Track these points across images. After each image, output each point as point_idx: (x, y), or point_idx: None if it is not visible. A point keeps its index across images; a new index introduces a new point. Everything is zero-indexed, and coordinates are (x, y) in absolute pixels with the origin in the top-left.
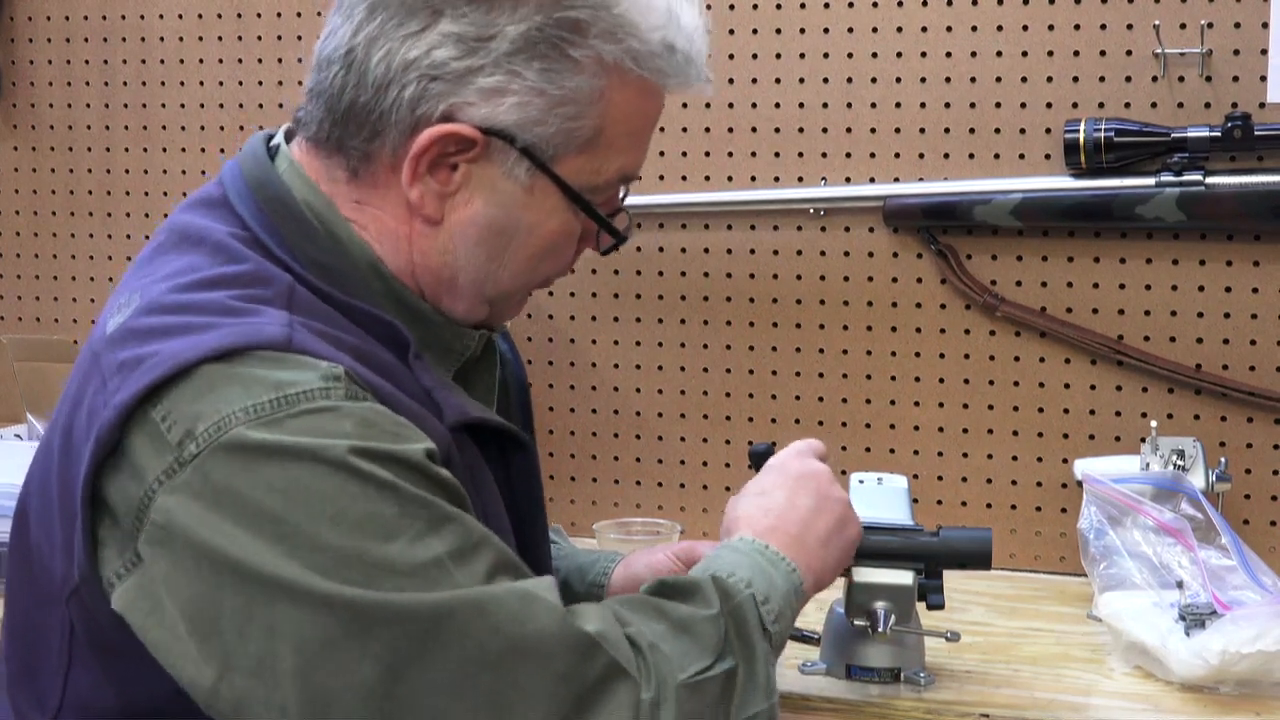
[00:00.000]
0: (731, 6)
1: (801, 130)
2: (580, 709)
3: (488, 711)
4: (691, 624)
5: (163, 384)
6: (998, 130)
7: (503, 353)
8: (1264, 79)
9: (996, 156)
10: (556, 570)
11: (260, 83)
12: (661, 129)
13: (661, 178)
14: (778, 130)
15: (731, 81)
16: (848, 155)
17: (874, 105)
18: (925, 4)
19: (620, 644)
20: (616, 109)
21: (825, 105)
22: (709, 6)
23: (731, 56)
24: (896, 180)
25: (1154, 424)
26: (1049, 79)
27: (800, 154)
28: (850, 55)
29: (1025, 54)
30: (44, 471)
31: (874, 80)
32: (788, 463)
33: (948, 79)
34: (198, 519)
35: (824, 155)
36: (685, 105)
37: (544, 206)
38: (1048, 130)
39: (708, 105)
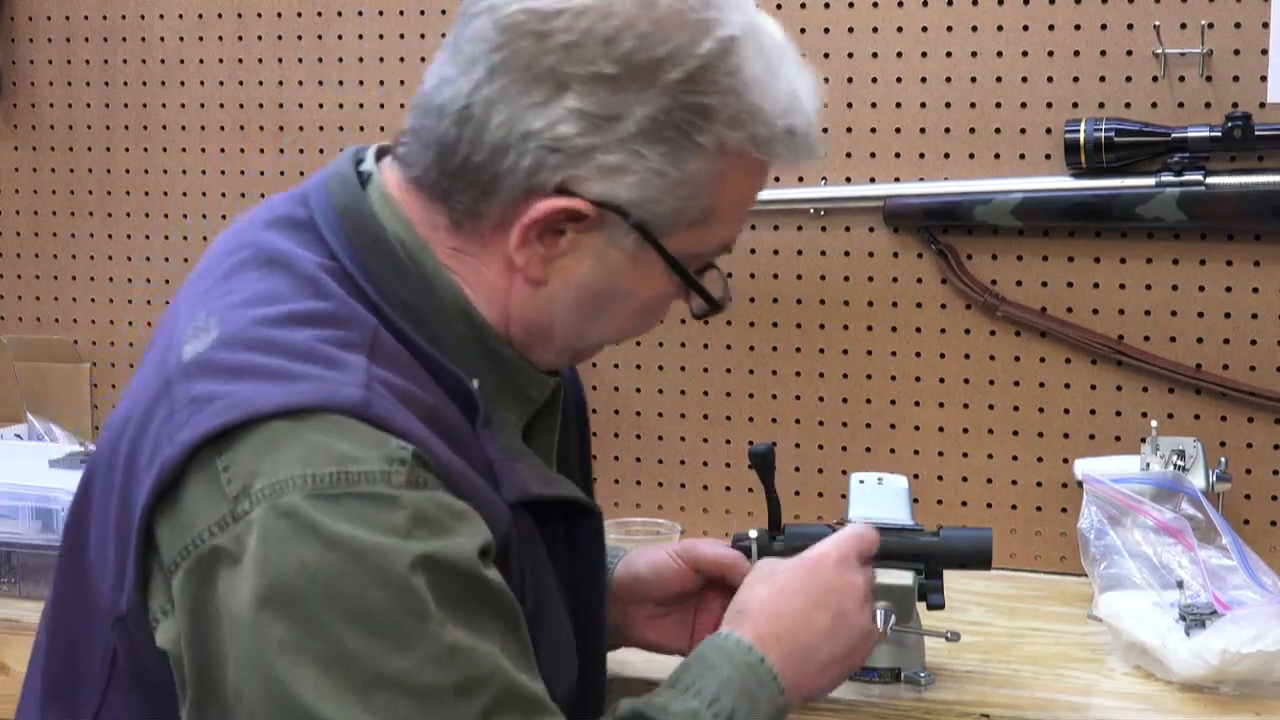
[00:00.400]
0: None
1: None
2: None
3: None
4: None
5: (230, 431)
6: (998, 130)
7: (567, 385)
8: (1264, 79)
9: (997, 156)
10: None
11: (260, 83)
12: None
13: None
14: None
15: None
16: (848, 155)
17: (874, 105)
18: (926, 4)
19: None
20: (730, 189)
21: (825, 105)
22: None
23: None
24: (897, 180)
25: (1154, 424)
26: (1049, 79)
27: None
28: (850, 55)
29: (1026, 54)
30: (106, 485)
31: (874, 80)
32: (825, 564)
33: (948, 79)
34: (228, 578)
35: (824, 155)
36: None
37: (647, 275)
38: (1048, 130)
39: None
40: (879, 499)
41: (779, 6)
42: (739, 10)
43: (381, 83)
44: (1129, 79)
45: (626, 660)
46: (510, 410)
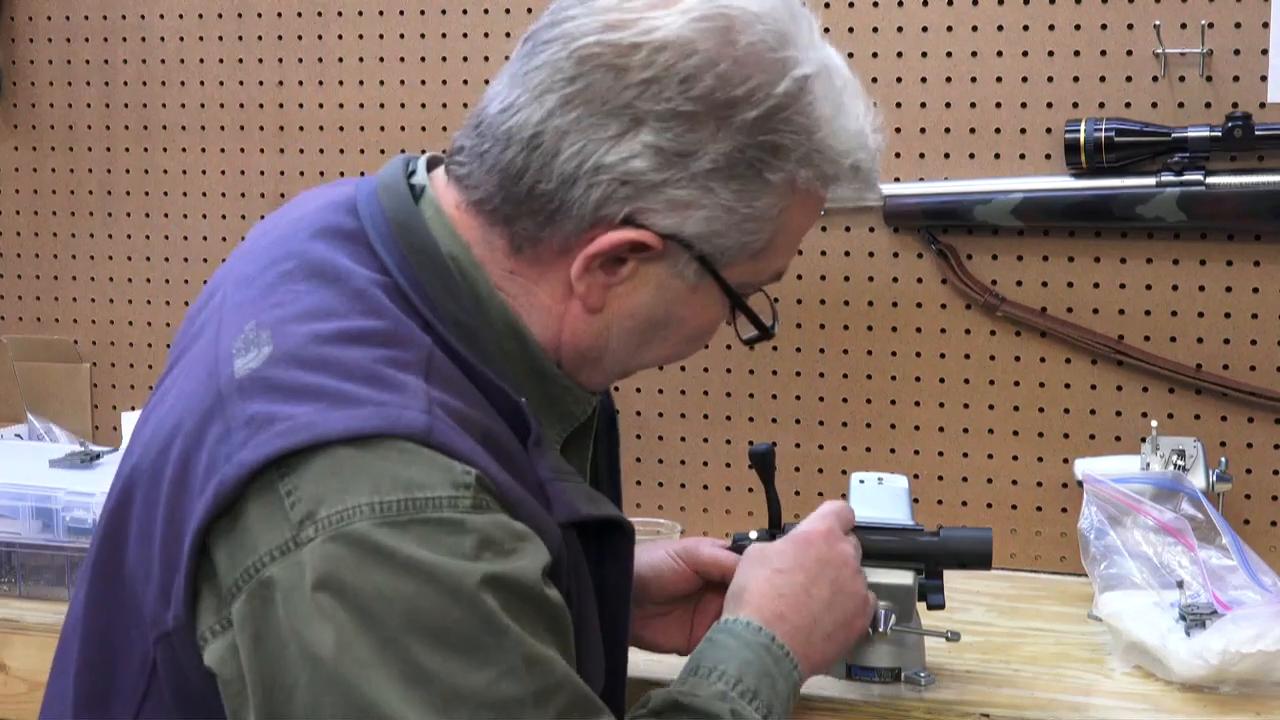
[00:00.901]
0: None
1: None
2: None
3: None
4: None
5: (292, 454)
6: (998, 130)
7: (598, 412)
8: (1264, 79)
9: (997, 156)
10: None
11: (260, 83)
12: None
13: None
14: None
15: None
16: None
17: (874, 104)
18: (926, 4)
19: None
20: (792, 224)
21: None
22: None
23: None
24: (897, 180)
25: (1154, 424)
26: (1049, 79)
27: None
28: (851, 55)
29: (1026, 54)
30: (150, 495)
31: (874, 80)
32: (814, 541)
33: (948, 79)
34: (298, 602)
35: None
36: None
37: (703, 302)
38: (1048, 130)
39: None
40: (879, 499)
41: None
42: (814, 49)
43: (381, 83)
44: (1129, 79)
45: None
46: (552, 427)
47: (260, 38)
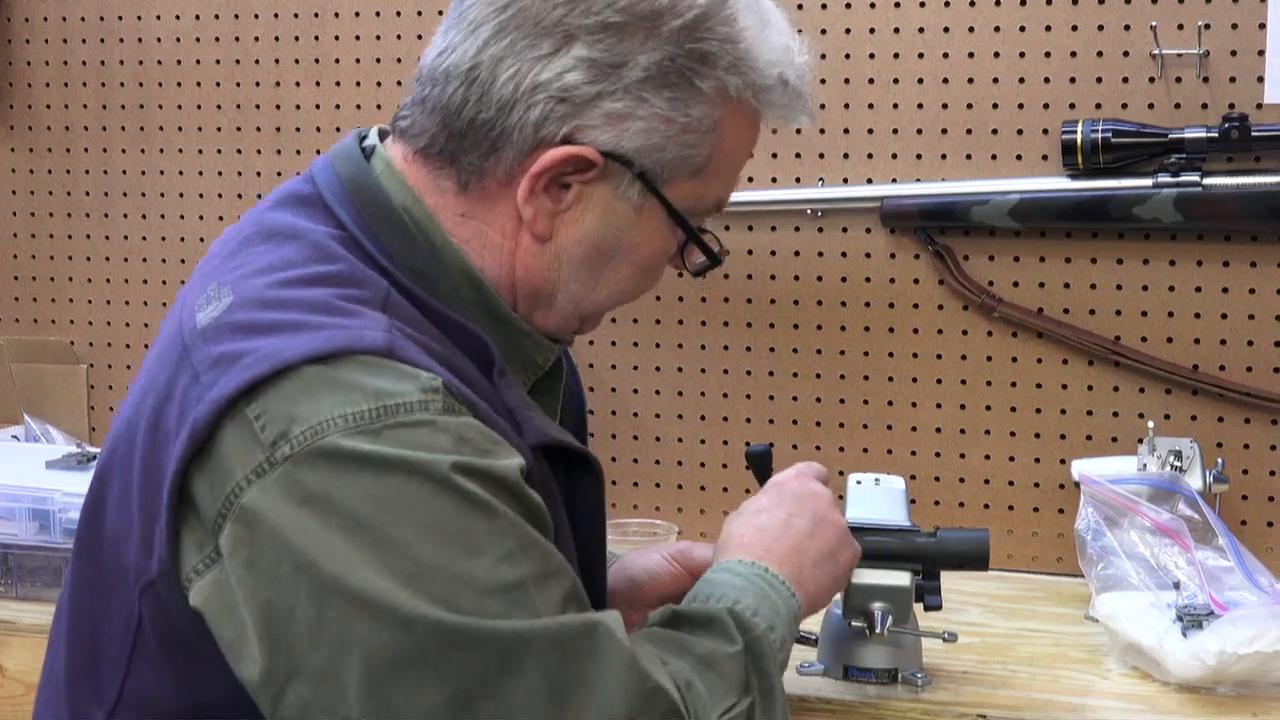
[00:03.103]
0: None
1: (799, 131)
2: None
3: None
4: (716, 661)
5: (260, 382)
6: (995, 131)
7: (567, 376)
8: (1261, 80)
9: (994, 157)
10: None
11: (258, 84)
12: None
13: None
14: (775, 131)
15: None
16: (845, 156)
17: (871, 106)
18: (923, 5)
19: (674, 689)
20: (728, 139)
21: (823, 106)
22: None
23: None
24: (894, 181)
25: (1151, 425)
26: (1046, 80)
27: (798, 155)
28: (848, 56)
29: (1022, 55)
30: (125, 461)
31: (871, 81)
32: (786, 482)
33: (945, 80)
34: (283, 518)
35: (821, 156)
36: None
37: (649, 227)
38: (1045, 131)
39: None
40: (876, 500)
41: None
42: None
43: (380, 84)
44: (1126, 80)
45: None
46: (516, 375)
47: (258, 39)
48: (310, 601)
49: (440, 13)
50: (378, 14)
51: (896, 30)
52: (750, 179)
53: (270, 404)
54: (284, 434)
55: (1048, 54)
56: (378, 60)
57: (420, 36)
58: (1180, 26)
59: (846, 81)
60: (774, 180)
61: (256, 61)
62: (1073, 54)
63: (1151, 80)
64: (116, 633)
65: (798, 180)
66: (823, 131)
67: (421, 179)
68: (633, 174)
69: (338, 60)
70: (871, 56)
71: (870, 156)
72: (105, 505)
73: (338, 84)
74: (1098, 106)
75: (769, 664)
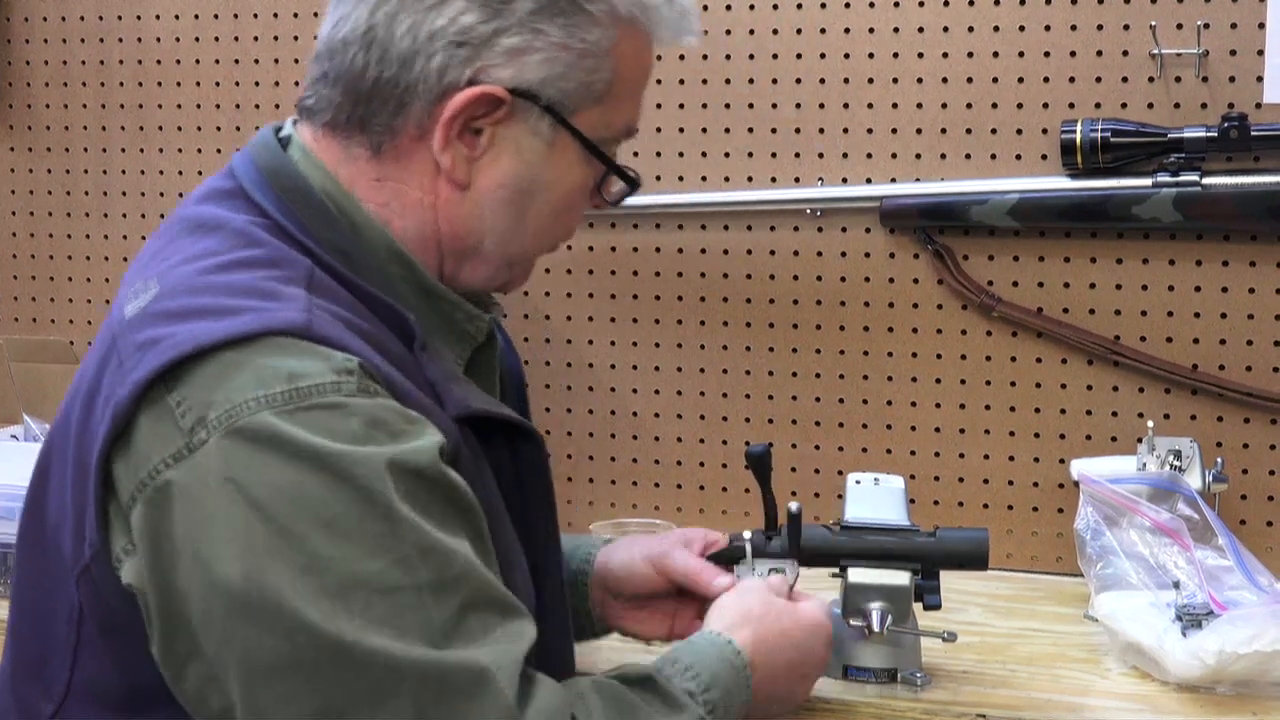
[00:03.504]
0: (729, 7)
1: (798, 131)
2: None
3: None
4: None
5: (179, 366)
6: (994, 131)
7: (504, 355)
8: (1260, 79)
9: (993, 157)
10: None
11: (257, 83)
12: (658, 130)
13: (659, 178)
14: (774, 131)
15: (728, 82)
16: (844, 156)
17: (870, 106)
18: (922, 5)
19: None
20: (626, 61)
21: (822, 106)
22: (705, 8)
23: (728, 57)
24: (893, 181)
25: (1150, 424)
26: (1045, 79)
27: (797, 154)
28: (847, 56)
29: (1022, 54)
30: (60, 453)
31: (871, 81)
32: (820, 634)
33: (944, 79)
34: (192, 504)
35: (821, 156)
36: (682, 106)
37: (565, 161)
38: (1044, 131)
39: (704, 106)
40: (875, 499)
41: (775, 7)
42: None
43: None
44: (1125, 79)
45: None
46: (449, 348)
47: (257, 39)
48: (203, 594)
49: None
50: None
51: (896, 30)
52: (750, 178)
53: (189, 390)
54: (202, 419)
55: (1047, 53)
56: None
57: None
58: (1179, 26)
59: (846, 81)
60: (773, 180)
61: (256, 61)
62: (1072, 53)
63: (1151, 80)
64: (61, 626)
65: (797, 180)
66: (822, 131)
67: (334, 153)
68: (540, 108)
69: None
70: (871, 56)
71: (869, 156)
72: (46, 497)
73: None
74: (1097, 106)
75: None
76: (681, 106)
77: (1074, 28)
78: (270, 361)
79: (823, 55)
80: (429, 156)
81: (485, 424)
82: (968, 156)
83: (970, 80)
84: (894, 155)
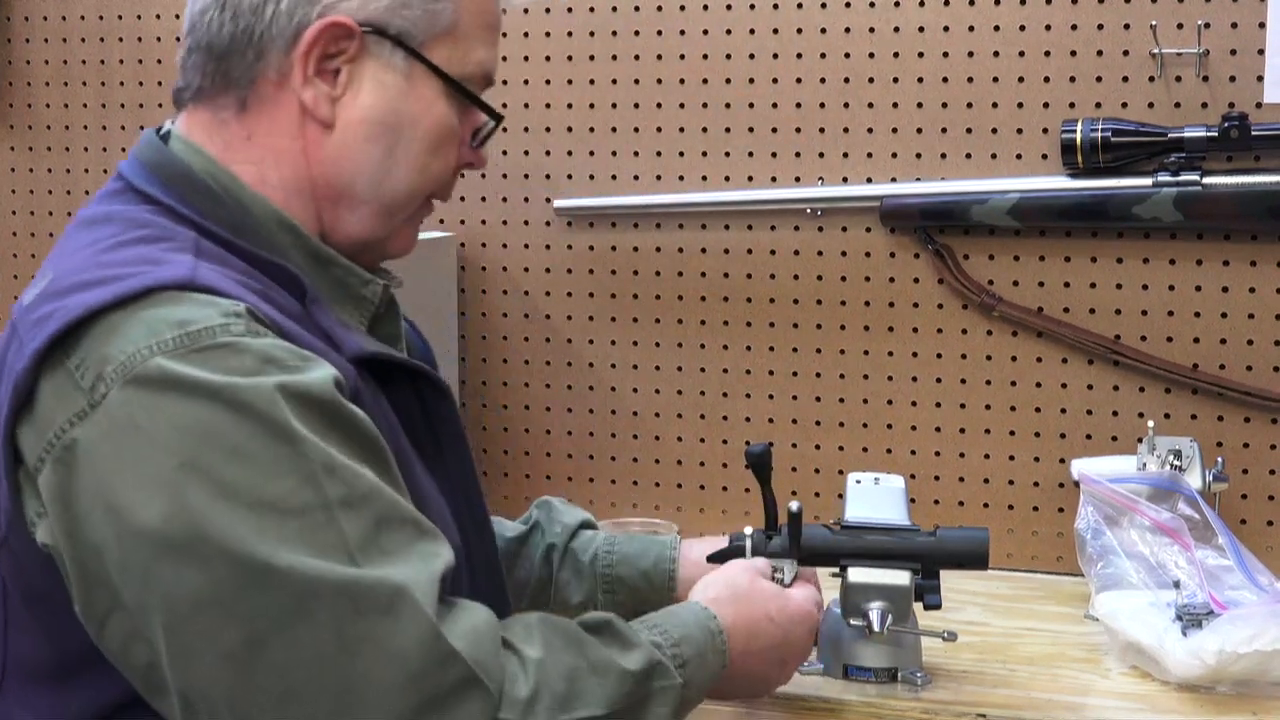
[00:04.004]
0: (729, 7)
1: (799, 130)
2: (428, 713)
3: (337, 695)
4: (605, 669)
5: (73, 332)
6: (994, 130)
7: (410, 338)
8: (1261, 79)
9: (993, 156)
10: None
11: None
12: (659, 129)
13: (659, 178)
14: (775, 130)
15: (729, 82)
16: (845, 155)
17: (871, 105)
18: (922, 4)
19: (488, 662)
20: None
21: (822, 105)
22: (705, 7)
23: (729, 57)
24: (894, 180)
25: (1151, 424)
26: (1046, 79)
27: (797, 154)
28: (847, 56)
29: (1022, 54)
30: None
31: (871, 80)
32: (804, 620)
33: (945, 79)
34: (95, 455)
35: (821, 155)
36: (682, 105)
37: (424, 96)
38: (1045, 130)
39: (704, 105)
40: (876, 499)
41: (775, 7)
42: None
43: None
44: (1126, 79)
45: None
46: (350, 315)
47: None
48: (119, 544)
49: None
50: None
51: (896, 30)
52: (750, 178)
53: (86, 352)
54: (100, 375)
55: (1047, 53)
56: None
57: None
58: (1180, 25)
59: (846, 81)
60: (774, 179)
61: None
62: (1072, 53)
63: (1151, 79)
64: None
65: (797, 179)
66: (822, 131)
67: (206, 127)
68: (391, 41)
69: None
70: (871, 56)
71: (870, 156)
72: None
73: None
74: (1097, 105)
75: (653, 714)
76: (682, 106)
77: (1074, 27)
78: (159, 313)
79: (823, 55)
80: (293, 100)
81: (386, 371)
82: (968, 156)
83: (971, 80)
84: (894, 155)
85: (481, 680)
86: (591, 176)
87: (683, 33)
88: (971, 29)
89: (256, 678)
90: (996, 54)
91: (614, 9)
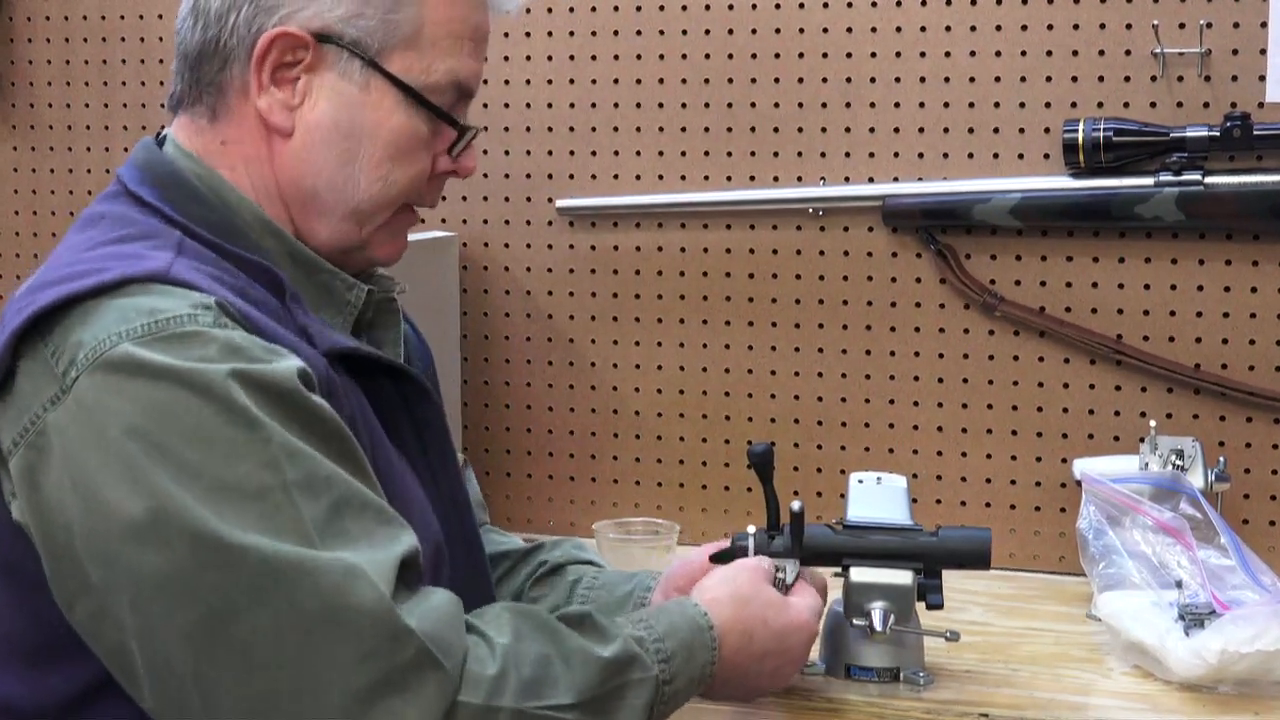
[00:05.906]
0: (730, 7)
1: (801, 130)
2: (384, 690)
3: (295, 673)
4: (576, 658)
5: (50, 318)
6: (996, 130)
7: (409, 336)
8: (1263, 78)
9: (995, 156)
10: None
11: None
12: (660, 129)
13: (661, 177)
14: (777, 130)
15: (731, 81)
16: (847, 155)
17: (873, 105)
18: (924, 4)
19: (446, 643)
20: (433, 8)
21: (824, 105)
22: (707, 7)
23: (731, 56)
24: (895, 180)
25: (1153, 423)
26: (1048, 78)
27: (799, 154)
28: (849, 55)
29: (1024, 54)
30: None
31: (873, 80)
32: (804, 628)
33: (946, 79)
34: (64, 437)
35: (823, 155)
36: (683, 105)
37: (382, 105)
38: (1046, 130)
39: (706, 105)
40: (878, 499)
41: (777, 7)
42: None
43: None
44: (1127, 79)
45: None
46: (332, 317)
47: None
48: (86, 525)
49: None
50: None
51: (898, 29)
52: (752, 178)
53: (60, 338)
54: (72, 361)
55: (1049, 52)
56: None
57: None
58: (1182, 25)
59: (848, 80)
60: (775, 179)
61: None
62: (1074, 53)
63: (1153, 79)
64: None
65: (799, 179)
66: (824, 130)
67: (189, 131)
68: (347, 51)
69: None
70: (873, 55)
71: (872, 155)
72: None
73: None
74: (1099, 105)
75: (628, 709)
76: (684, 106)
77: (1076, 27)
78: (132, 302)
79: (825, 54)
80: (254, 108)
81: (367, 368)
82: (970, 155)
83: (973, 79)
84: (896, 154)
85: (438, 659)
86: (593, 176)
87: (684, 32)
88: (974, 28)
89: (218, 654)
90: (999, 53)
91: (615, 9)
